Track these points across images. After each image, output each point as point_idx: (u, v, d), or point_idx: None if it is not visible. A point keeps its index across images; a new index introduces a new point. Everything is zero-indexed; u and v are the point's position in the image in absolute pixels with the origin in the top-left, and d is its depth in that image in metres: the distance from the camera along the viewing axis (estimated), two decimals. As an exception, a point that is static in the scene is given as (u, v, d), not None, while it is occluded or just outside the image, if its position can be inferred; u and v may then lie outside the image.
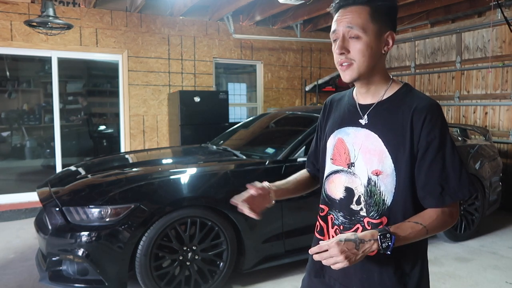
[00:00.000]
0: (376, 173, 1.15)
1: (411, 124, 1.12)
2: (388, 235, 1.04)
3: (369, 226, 1.17)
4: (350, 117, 1.24)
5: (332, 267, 1.03)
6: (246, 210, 1.22)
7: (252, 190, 1.24)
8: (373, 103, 1.20)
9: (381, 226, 1.14)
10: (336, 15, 1.18)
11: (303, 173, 1.51)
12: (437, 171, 1.12)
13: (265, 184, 1.29)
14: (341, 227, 1.23)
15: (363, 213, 1.18)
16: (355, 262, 1.03)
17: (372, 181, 1.16)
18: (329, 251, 1.02)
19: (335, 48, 1.17)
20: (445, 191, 1.12)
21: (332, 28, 1.18)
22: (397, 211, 1.15)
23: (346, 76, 1.17)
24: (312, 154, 1.48)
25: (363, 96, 1.23)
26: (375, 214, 1.16)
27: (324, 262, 1.04)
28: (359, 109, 1.22)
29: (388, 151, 1.14)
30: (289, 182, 1.42)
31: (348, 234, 1.05)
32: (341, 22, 1.15)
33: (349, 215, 1.21)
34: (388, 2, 1.16)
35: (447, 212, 1.13)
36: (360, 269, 1.19)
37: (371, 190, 1.16)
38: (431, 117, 1.12)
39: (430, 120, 1.11)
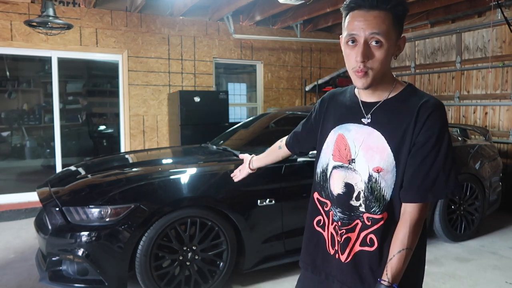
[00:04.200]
0: (377, 170, 1.16)
1: (415, 120, 1.13)
2: None
3: (368, 221, 1.18)
4: (352, 114, 1.24)
5: None
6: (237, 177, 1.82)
7: (241, 157, 1.85)
8: (377, 102, 1.20)
9: (382, 222, 1.16)
10: (354, 15, 1.11)
11: (281, 146, 1.69)
12: (427, 168, 1.12)
13: (248, 155, 1.82)
14: (339, 223, 1.23)
15: (362, 209, 1.19)
16: None
17: (373, 177, 1.17)
18: None
19: (355, 54, 1.11)
20: (430, 188, 1.12)
21: (348, 31, 1.12)
22: (396, 205, 1.16)
23: (360, 83, 1.14)
24: (294, 136, 1.59)
25: (368, 95, 1.23)
26: (377, 210, 1.17)
27: None
28: (362, 107, 1.22)
29: (390, 148, 1.15)
30: (265, 155, 1.76)
31: None
32: (362, 27, 1.09)
33: (348, 211, 1.22)
34: (406, 9, 1.13)
35: (417, 212, 1.13)
36: (359, 265, 1.20)
37: (372, 187, 1.17)
38: (434, 114, 1.12)
39: (433, 117, 1.12)
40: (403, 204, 1.15)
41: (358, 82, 1.14)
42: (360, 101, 1.24)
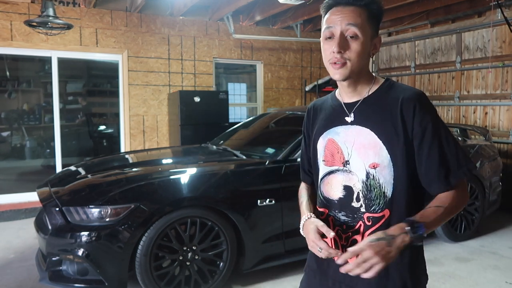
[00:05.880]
0: (374, 166, 1.16)
1: (401, 114, 1.14)
2: (416, 224, 1.06)
3: (369, 221, 1.18)
4: (337, 117, 1.25)
5: (365, 275, 1.03)
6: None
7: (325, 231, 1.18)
8: (359, 100, 1.22)
9: (383, 220, 1.16)
10: (331, 12, 1.19)
11: (307, 188, 1.47)
12: (436, 155, 1.13)
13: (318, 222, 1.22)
14: (344, 226, 1.23)
15: (362, 209, 1.19)
16: (391, 260, 1.04)
17: (371, 174, 1.17)
18: (362, 255, 1.03)
19: (331, 46, 1.16)
20: (448, 173, 1.13)
21: (326, 25, 1.18)
22: (399, 201, 1.16)
23: (337, 75, 1.17)
24: (305, 164, 1.45)
25: (349, 95, 1.24)
26: (377, 208, 1.17)
27: (356, 271, 1.04)
28: (345, 108, 1.24)
29: (382, 142, 1.16)
30: (309, 207, 1.37)
31: (378, 233, 1.07)
32: (339, 20, 1.15)
33: (351, 213, 1.21)
34: (381, 8, 1.19)
35: (459, 191, 1.15)
36: None
37: (371, 184, 1.17)
38: (420, 105, 1.14)
39: (420, 108, 1.14)
40: (438, 196, 1.15)
41: (335, 73, 1.17)
42: (342, 103, 1.25)
